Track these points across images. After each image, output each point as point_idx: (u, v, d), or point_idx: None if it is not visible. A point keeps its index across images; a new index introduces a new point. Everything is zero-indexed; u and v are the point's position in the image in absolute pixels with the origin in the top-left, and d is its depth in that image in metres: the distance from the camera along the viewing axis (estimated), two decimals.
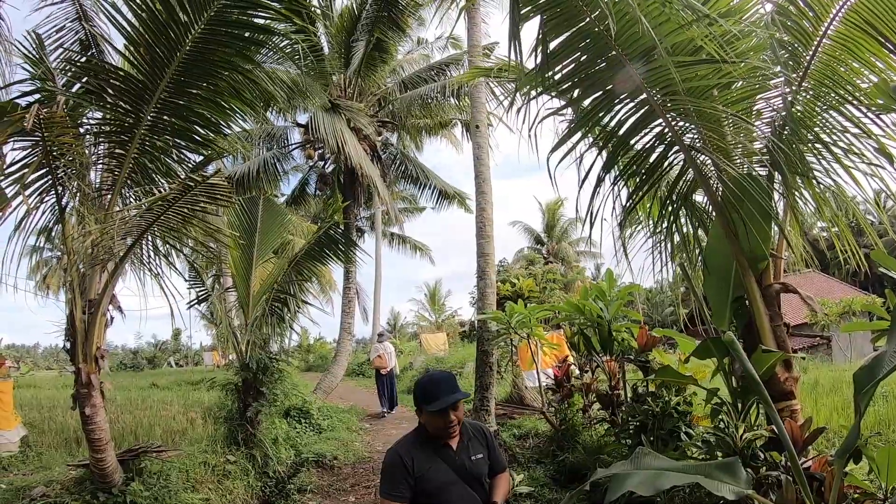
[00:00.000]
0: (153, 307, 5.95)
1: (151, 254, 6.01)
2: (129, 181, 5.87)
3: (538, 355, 8.81)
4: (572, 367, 8.51)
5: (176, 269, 6.34)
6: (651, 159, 4.90)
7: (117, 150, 5.74)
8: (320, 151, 18.59)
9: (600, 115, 4.65)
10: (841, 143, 4.39)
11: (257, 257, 8.80)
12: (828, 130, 4.44)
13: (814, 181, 4.57)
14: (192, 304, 8.59)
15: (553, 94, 4.71)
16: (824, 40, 4.32)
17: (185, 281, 8.37)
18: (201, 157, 6.30)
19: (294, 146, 19.28)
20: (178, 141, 5.98)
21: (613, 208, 4.97)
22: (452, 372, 3.21)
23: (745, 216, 4.30)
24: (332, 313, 27.08)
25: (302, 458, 8.66)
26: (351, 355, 18.28)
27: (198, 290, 8.71)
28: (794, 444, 3.63)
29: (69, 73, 5.86)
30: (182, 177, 5.81)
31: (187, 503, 6.01)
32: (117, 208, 5.75)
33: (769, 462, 3.94)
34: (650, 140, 4.79)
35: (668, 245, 5.29)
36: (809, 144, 4.47)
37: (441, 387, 2.84)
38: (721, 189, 4.60)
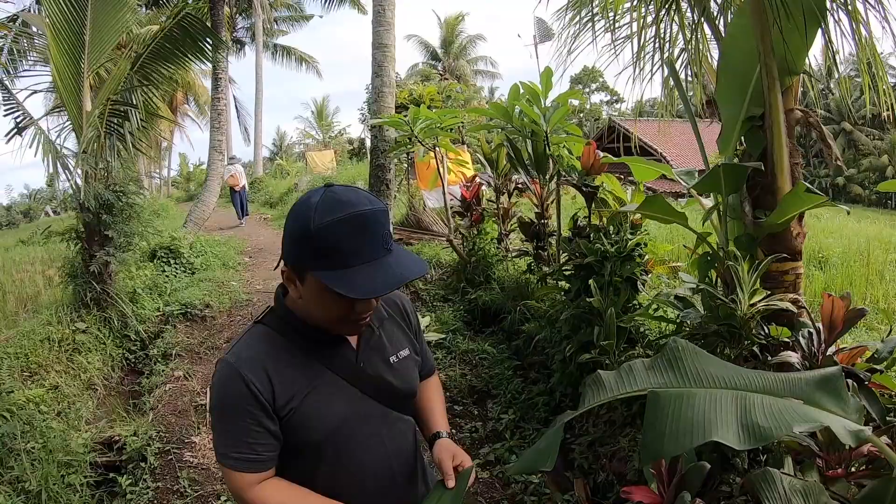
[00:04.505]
0: None
1: None
2: None
3: (444, 172, 7.52)
4: (484, 187, 7.33)
5: None
6: None
7: None
8: None
9: None
10: None
11: (89, 63, 6.40)
12: None
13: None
14: (11, 133, 6.35)
15: None
16: None
17: None
18: None
19: None
20: None
21: None
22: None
23: (790, 8, 2.96)
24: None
25: (167, 312, 7.12)
26: (224, 179, 15.69)
27: (14, 114, 6.37)
28: (830, 325, 2.62)
29: None
30: None
31: (19, 404, 4.32)
32: None
33: (771, 341, 2.96)
34: None
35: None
36: None
37: (375, 243, 1.28)
38: None
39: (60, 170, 6.24)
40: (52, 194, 58.80)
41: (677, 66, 4.03)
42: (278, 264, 1.39)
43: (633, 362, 1.85)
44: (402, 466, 1.57)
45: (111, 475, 3.88)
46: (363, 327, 1.47)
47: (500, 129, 6.27)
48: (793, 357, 2.73)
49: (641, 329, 4.15)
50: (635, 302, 4.12)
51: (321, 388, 1.42)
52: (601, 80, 55.98)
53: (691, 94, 4.11)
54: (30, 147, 6.13)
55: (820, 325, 2.73)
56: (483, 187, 7.28)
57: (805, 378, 1.79)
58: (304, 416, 1.38)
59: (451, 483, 1.48)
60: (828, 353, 2.66)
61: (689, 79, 4.06)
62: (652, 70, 3.95)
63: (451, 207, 7.43)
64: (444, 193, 7.45)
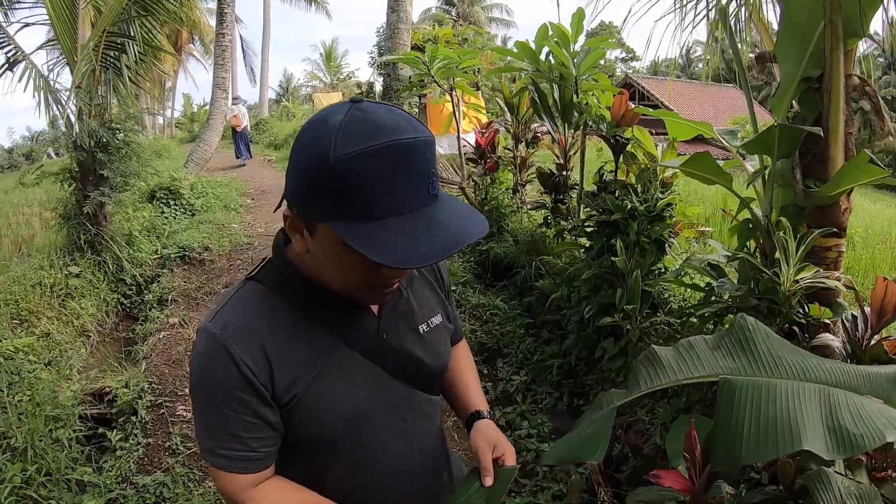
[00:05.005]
0: None
1: None
2: None
3: (459, 116, 7.13)
4: (500, 134, 6.97)
5: None
6: None
7: None
8: None
9: None
10: None
11: None
12: None
13: None
14: (2, 69, 5.99)
15: None
16: None
17: None
18: None
19: None
20: None
21: None
22: None
23: None
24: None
25: (165, 255, 6.84)
26: (227, 119, 14.96)
27: (5, 49, 5.99)
28: (880, 310, 2.37)
29: None
30: None
31: (7, 353, 4.03)
32: None
33: (810, 321, 2.71)
34: None
35: None
36: None
37: (418, 186, 0.91)
38: None
39: (53, 105, 5.92)
40: (53, 136, 58.93)
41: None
42: (279, 205, 1.03)
43: (694, 339, 1.62)
44: (427, 456, 1.30)
45: (101, 429, 3.66)
46: (389, 296, 1.11)
47: (520, 74, 5.90)
48: (835, 341, 2.51)
49: (665, 295, 3.91)
50: (660, 265, 3.87)
51: (332, 367, 1.09)
52: (618, 36, 54.65)
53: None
54: (19, 82, 5.83)
55: (867, 308, 2.49)
56: (499, 134, 6.93)
57: (884, 373, 1.58)
58: (311, 405, 1.07)
59: (488, 481, 1.22)
60: (873, 341, 2.44)
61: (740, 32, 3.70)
62: (699, 16, 3.58)
63: (465, 154, 7.10)
64: (458, 139, 7.11)
